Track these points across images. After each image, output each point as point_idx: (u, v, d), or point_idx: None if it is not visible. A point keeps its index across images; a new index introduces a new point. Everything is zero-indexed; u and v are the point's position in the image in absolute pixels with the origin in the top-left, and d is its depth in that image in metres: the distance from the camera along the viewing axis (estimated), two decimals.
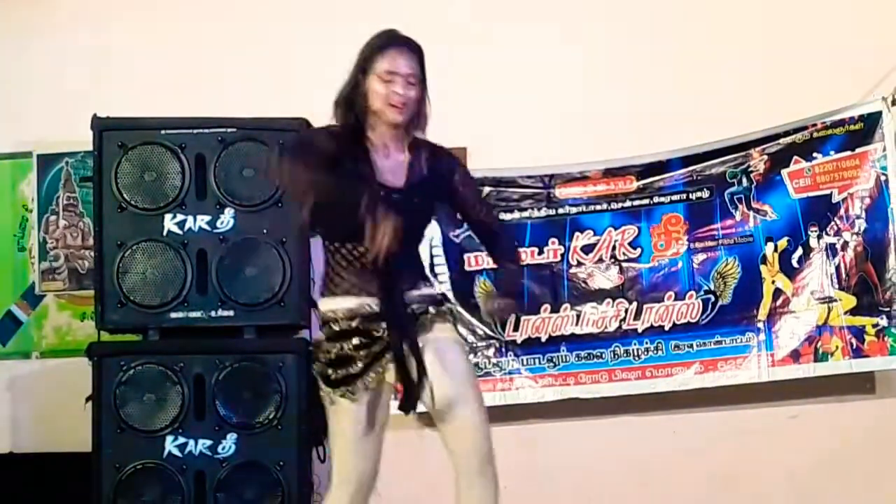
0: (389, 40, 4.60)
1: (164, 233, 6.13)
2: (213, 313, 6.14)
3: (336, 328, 4.52)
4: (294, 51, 6.93)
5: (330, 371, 4.52)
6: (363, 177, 4.46)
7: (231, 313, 6.14)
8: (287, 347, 6.17)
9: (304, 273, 6.19)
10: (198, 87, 6.86)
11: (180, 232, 6.14)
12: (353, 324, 4.51)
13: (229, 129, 6.18)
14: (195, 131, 6.18)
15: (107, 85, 6.88)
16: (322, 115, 6.50)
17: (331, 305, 4.55)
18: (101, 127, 6.17)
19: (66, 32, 7.10)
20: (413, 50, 4.57)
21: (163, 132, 6.17)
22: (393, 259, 4.35)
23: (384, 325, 4.49)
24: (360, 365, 4.50)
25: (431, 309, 4.58)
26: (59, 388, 6.77)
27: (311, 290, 6.33)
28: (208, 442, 6.06)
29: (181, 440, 6.06)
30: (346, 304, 4.52)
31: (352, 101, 4.57)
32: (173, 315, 6.13)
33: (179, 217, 6.15)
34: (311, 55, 6.87)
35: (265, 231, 6.15)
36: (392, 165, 4.56)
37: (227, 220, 6.16)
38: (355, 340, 4.50)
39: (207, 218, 6.15)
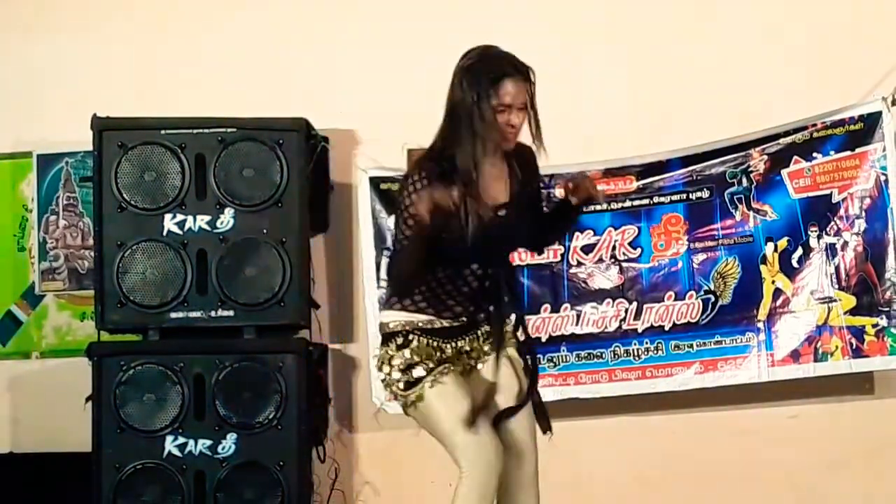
0: (503, 70, 4.49)
1: (164, 233, 6.15)
2: (213, 313, 6.16)
3: (405, 338, 4.57)
4: (294, 51, 6.92)
5: (400, 377, 4.59)
6: (470, 197, 4.47)
7: (231, 313, 6.16)
8: (287, 347, 6.18)
9: (304, 273, 6.20)
10: (198, 87, 6.86)
11: (180, 232, 6.16)
12: (424, 337, 4.57)
13: (229, 129, 6.20)
14: (195, 131, 6.19)
15: (107, 85, 6.88)
16: (322, 114, 6.55)
17: (405, 318, 4.58)
18: (101, 127, 6.18)
19: (66, 32, 7.09)
20: (525, 77, 4.51)
21: (163, 132, 6.18)
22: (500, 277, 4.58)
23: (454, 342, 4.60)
24: (422, 371, 4.56)
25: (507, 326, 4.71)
26: (59, 388, 6.77)
27: (311, 291, 6.35)
28: (208, 442, 6.08)
29: (181, 440, 6.08)
30: (421, 318, 4.58)
31: (470, 125, 4.48)
32: (173, 315, 6.15)
33: (179, 217, 6.16)
34: (311, 55, 6.88)
35: (265, 231, 6.16)
36: (495, 178, 4.57)
37: (226, 220, 6.17)
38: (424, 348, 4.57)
39: (207, 218, 6.17)
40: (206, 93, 6.79)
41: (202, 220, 6.17)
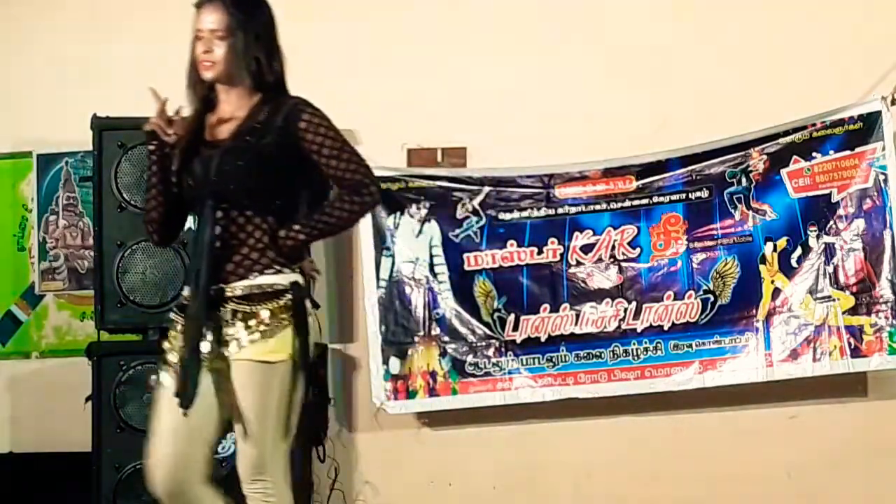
0: (201, 1, 4.35)
1: None
2: None
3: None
4: (292, 50, 6.90)
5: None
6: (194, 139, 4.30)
7: None
8: None
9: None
10: None
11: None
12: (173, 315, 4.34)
13: None
14: None
15: (106, 85, 6.87)
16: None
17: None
18: (101, 127, 6.18)
19: (66, 32, 7.09)
20: (220, 4, 4.31)
21: None
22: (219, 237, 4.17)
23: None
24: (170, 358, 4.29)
25: (253, 308, 4.18)
26: (59, 388, 6.76)
27: (310, 290, 6.33)
28: None
29: None
30: (184, 292, 4.34)
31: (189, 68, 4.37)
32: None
33: None
34: (309, 54, 6.86)
35: None
36: (228, 114, 4.32)
37: None
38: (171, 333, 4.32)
39: None
40: None
41: None
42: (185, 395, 4.15)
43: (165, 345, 4.32)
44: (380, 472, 6.77)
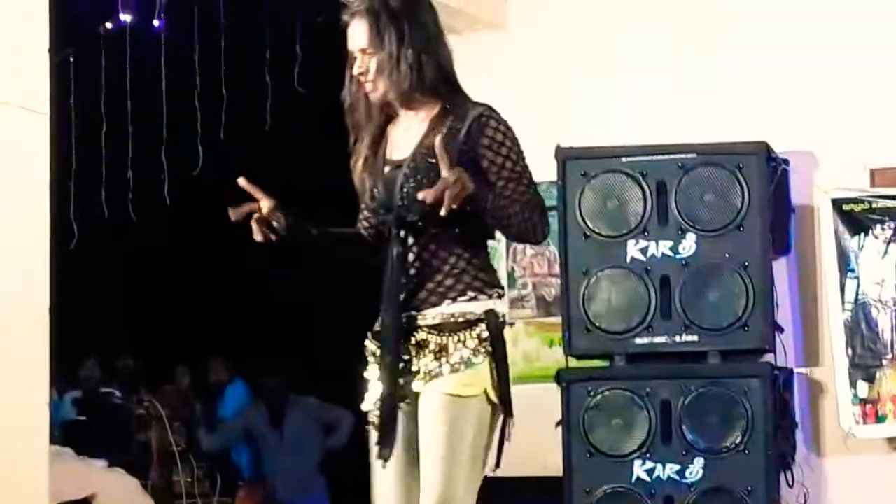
0: (345, 18, 4.08)
1: (628, 259, 6.23)
2: (677, 338, 6.21)
3: None
4: (752, 74, 6.85)
5: None
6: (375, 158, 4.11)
7: (695, 338, 6.19)
8: (752, 372, 6.18)
9: (767, 297, 6.17)
10: (656, 113, 6.89)
11: (643, 258, 6.23)
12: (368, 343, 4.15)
13: (689, 155, 6.23)
14: (656, 158, 6.25)
15: (567, 116, 6.99)
16: (780, 137, 6.49)
17: None
18: (566, 157, 6.31)
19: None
20: (361, 17, 4.00)
21: (624, 160, 6.27)
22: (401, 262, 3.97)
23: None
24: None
25: (445, 339, 3.99)
26: (531, 413, 6.91)
27: (774, 314, 6.31)
28: (676, 467, 6.12)
29: (649, 465, 6.14)
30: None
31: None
32: (638, 341, 6.23)
33: (642, 243, 6.23)
34: (770, 78, 6.81)
35: (727, 256, 6.17)
36: (406, 138, 4.09)
37: (688, 245, 6.21)
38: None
39: (669, 244, 6.21)
40: (664, 119, 6.84)
41: (664, 246, 6.22)
42: (387, 443, 3.99)
43: (366, 375, 4.13)
44: (849, 497, 6.63)
